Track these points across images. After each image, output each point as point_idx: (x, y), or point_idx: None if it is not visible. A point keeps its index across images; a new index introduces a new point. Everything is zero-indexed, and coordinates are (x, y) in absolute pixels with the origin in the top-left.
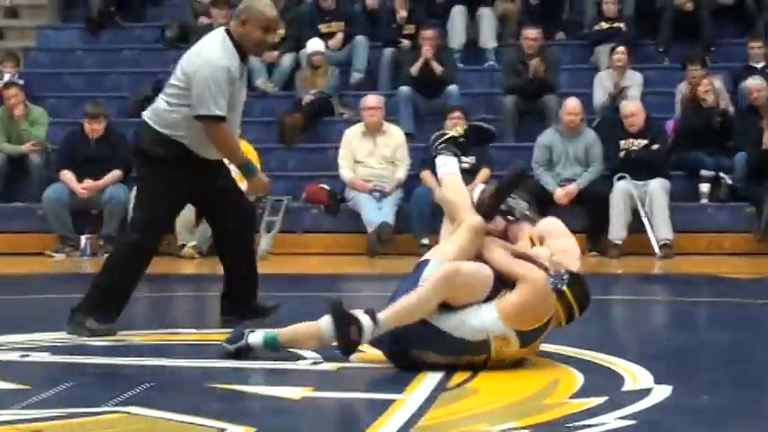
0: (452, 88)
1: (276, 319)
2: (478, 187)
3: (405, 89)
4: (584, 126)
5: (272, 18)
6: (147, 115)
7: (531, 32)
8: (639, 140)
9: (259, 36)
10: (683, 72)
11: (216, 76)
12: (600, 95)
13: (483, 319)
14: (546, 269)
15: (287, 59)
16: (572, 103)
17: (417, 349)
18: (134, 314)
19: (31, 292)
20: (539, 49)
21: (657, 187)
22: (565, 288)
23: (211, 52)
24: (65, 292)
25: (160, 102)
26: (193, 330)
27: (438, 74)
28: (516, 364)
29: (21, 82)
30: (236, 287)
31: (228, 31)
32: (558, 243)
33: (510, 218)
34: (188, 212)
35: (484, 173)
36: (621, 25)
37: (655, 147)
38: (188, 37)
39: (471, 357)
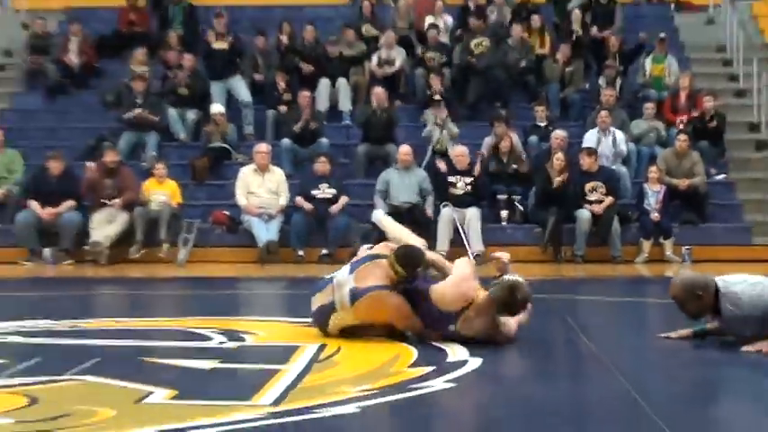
0: (324, 140)
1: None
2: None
3: (286, 141)
4: (414, 165)
5: None
6: None
7: (380, 91)
8: (465, 178)
9: None
10: (491, 128)
11: None
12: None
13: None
14: None
15: (191, 114)
16: (405, 149)
17: None
18: (86, 306)
19: (6, 291)
20: (387, 104)
21: (473, 213)
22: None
23: None
24: (31, 291)
25: None
26: (135, 319)
27: (313, 129)
28: (368, 342)
29: None
30: None
31: None
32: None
33: None
34: None
35: (342, 200)
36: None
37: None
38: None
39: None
